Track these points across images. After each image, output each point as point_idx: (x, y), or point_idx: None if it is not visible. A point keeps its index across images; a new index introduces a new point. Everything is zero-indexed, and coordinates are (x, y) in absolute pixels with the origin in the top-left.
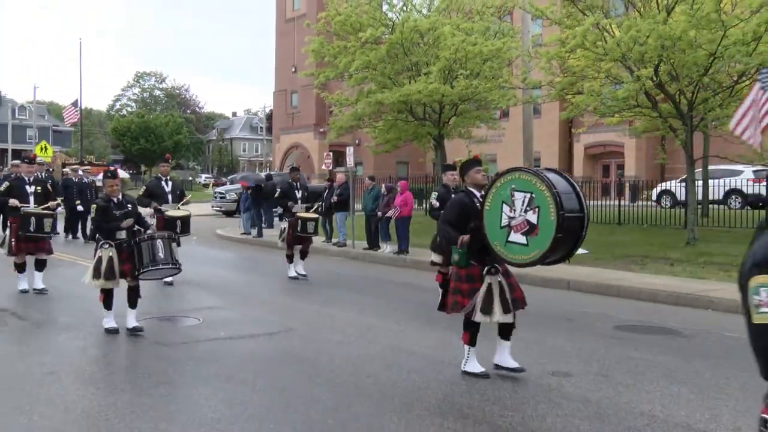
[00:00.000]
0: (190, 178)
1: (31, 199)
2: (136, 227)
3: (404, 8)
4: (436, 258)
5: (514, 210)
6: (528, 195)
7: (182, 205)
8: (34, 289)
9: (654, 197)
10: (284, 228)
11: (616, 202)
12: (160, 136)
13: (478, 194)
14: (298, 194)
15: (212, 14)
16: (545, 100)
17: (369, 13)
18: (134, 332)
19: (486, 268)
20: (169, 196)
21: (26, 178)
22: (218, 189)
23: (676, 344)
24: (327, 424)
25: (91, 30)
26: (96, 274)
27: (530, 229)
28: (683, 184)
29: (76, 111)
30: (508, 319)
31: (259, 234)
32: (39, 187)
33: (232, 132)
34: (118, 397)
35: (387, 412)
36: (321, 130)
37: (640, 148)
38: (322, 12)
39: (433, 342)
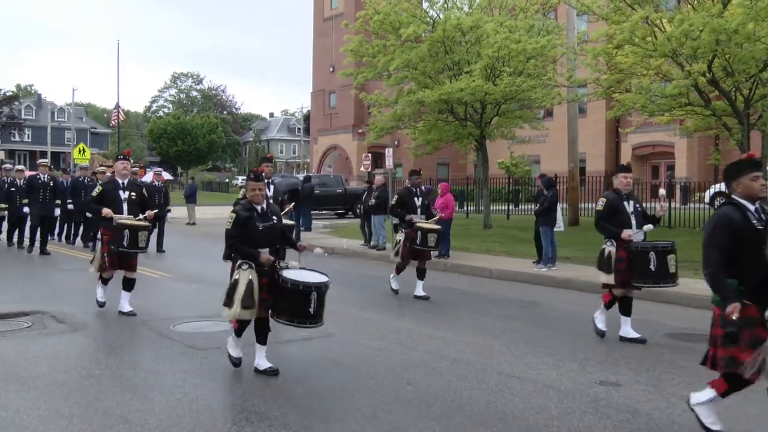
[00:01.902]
0: (227, 180)
1: (125, 207)
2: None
3: (445, 5)
4: (606, 279)
5: None
6: None
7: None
8: (121, 312)
9: (707, 199)
10: (400, 240)
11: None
12: (195, 137)
13: (751, 208)
14: (418, 202)
15: (249, 14)
16: (591, 99)
17: (409, 11)
18: (236, 362)
19: None
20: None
21: (120, 182)
22: None
23: None
24: None
25: (129, 31)
26: (229, 301)
27: None
28: None
29: (121, 112)
30: None
31: (297, 237)
32: (134, 193)
33: (269, 133)
34: (155, 403)
35: (427, 420)
36: (359, 131)
37: (691, 148)
38: (360, 11)
39: (476, 348)
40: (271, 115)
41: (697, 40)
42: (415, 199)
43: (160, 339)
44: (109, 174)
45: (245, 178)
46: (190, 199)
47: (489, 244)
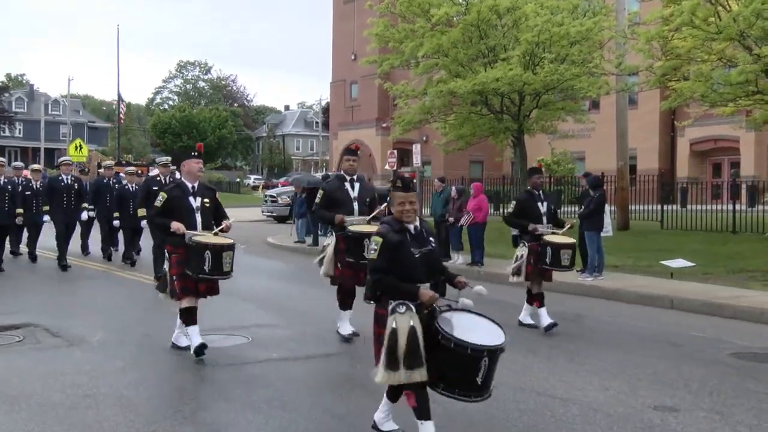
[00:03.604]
0: (238, 180)
1: (198, 219)
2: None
3: None
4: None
5: None
6: None
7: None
8: (174, 345)
9: None
10: (522, 255)
11: (730, 207)
12: (203, 132)
13: None
14: (542, 208)
15: None
16: (643, 88)
17: None
18: None
19: None
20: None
21: (189, 186)
22: (269, 192)
23: None
24: None
25: (130, 17)
26: (391, 362)
27: None
28: None
29: (122, 106)
30: None
31: (315, 242)
32: (207, 200)
33: (284, 128)
34: (158, 425)
35: None
36: (384, 125)
37: (759, 142)
38: None
39: (514, 366)
40: (287, 108)
41: None
42: (539, 204)
43: (165, 355)
44: (153, 173)
45: (258, 177)
46: None
47: None
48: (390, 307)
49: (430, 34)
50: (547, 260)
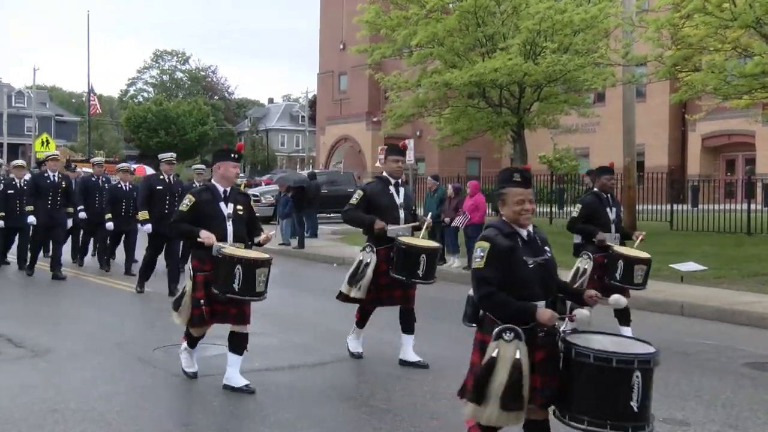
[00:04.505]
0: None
1: (229, 229)
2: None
3: None
4: None
5: None
6: None
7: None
8: (229, 387)
9: None
10: (585, 269)
11: (745, 206)
12: (182, 128)
13: None
14: (611, 214)
15: None
16: (652, 80)
17: None
18: None
19: None
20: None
21: (220, 189)
22: (251, 190)
23: None
24: None
25: (102, 2)
26: (479, 396)
27: None
28: None
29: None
30: None
31: (301, 244)
32: (240, 207)
33: (268, 122)
34: None
35: None
36: (375, 119)
37: None
38: None
39: None
40: (271, 101)
41: None
42: (608, 210)
43: (139, 365)
44: (150, 172)
45: (240, 175)
46: None
47: None
48: (495, 331)
49: (424, 21)
50: (617, 275)
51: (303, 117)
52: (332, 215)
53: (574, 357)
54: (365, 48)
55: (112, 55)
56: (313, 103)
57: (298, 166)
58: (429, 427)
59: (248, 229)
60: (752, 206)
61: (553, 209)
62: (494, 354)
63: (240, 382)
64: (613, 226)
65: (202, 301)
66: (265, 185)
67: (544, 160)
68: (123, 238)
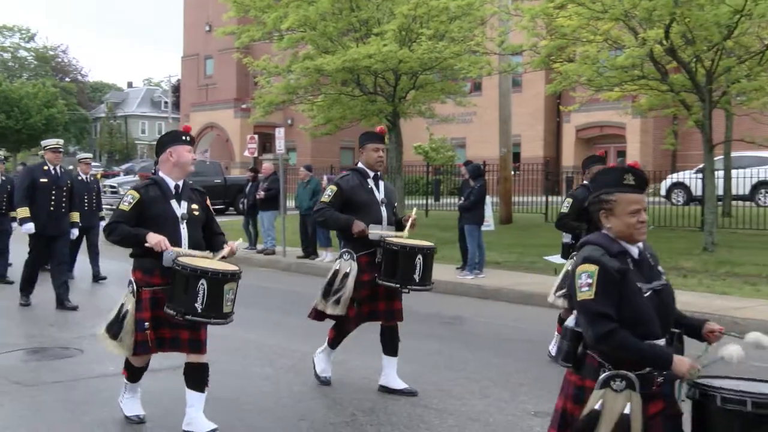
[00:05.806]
0: (71, 167)
1: (183, 232)
2: None
3: None
4: None
5: None
6: None
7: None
8: None
9: (663, 192)
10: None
11: None
12: (26, 111)
13: None
14: None
15: None
16: (527, 69)
17: None
18: None
19: None
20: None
21: (171, 184)
22: (109, 181)
23: None
24: None
25: None
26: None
27: None
28: (700, 175)
29: None
30: None
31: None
32: (195, 206)
33: (127, 107)
34: None
35: None
36: (243, 106)
37: (645, 130)
38: None
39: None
40: (130, 85)
41: (653, 1)
42: None
43: (25, 389)
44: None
45: (96, 164)
46: None
47: None
48: (601, 378)
49: (295, 4)
50: None
51: (166, 103)
52: None
53: (721, 404)
54: (233, 30)
55: None
56: (176, 88)
57: None
58: (297, 428)
59: (206, 234)
60: None
61: (429, 201)
62: (597, 406)
63: (205, 426)
64: None
65: (146, 324)
66: (124, 176)
67: (419, 150)
68: None
